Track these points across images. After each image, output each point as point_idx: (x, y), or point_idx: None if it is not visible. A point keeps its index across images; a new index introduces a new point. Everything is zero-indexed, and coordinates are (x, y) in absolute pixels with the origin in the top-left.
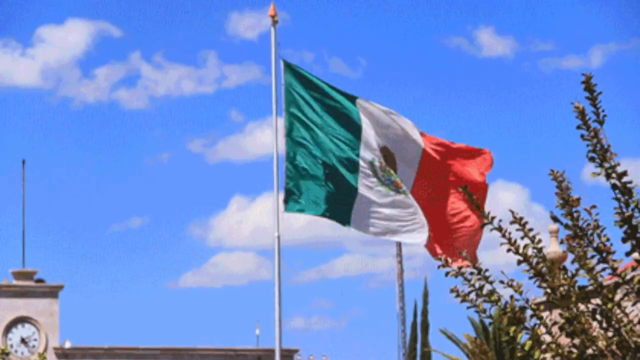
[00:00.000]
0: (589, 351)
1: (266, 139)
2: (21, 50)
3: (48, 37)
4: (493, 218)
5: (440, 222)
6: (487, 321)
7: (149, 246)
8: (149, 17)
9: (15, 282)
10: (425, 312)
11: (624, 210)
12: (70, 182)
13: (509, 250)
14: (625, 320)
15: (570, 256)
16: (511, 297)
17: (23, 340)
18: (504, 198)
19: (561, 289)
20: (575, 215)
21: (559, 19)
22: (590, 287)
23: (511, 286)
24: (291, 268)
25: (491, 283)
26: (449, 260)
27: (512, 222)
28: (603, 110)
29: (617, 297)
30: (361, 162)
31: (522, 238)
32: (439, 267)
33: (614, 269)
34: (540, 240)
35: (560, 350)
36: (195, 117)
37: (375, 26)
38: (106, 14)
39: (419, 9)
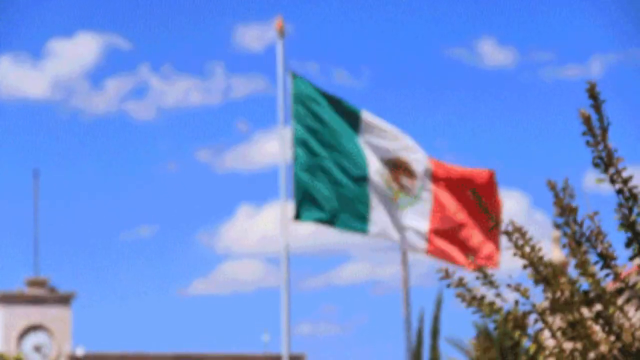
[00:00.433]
0: (591, 355)
1: (272, 148)
2: (31, 63)
3: (58, 50)
4: (501, 222)
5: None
6: (491, 326)
7: (158, 254)
8: (157, 29)
9: (28, 291)
10: (437, 318)
11: (628, 216)
12: (81, 192)
13: (514, 254)
14: (627, 324)
15: (572, 262)
16: (516, 302)
17: (36, 348)
18: (505, 205)
19: (564, 294)
20: (574, 222)
21: (558, 29)
22: (593, 293)
23: (518, 290)
24: (298, 275)
25: (497, 287)
26: (450, 271)
27: (513, 232)
28: (607, 118)
29: (620, 302)
30: (370, 173)
31: (522, 246)
32: (440, 278)
33: (617, 275)
34: (540, 249)
35: (563, 355)
36: (202, 128)
37: (379, 37)
38: (115, 26)
39: (422, 21)
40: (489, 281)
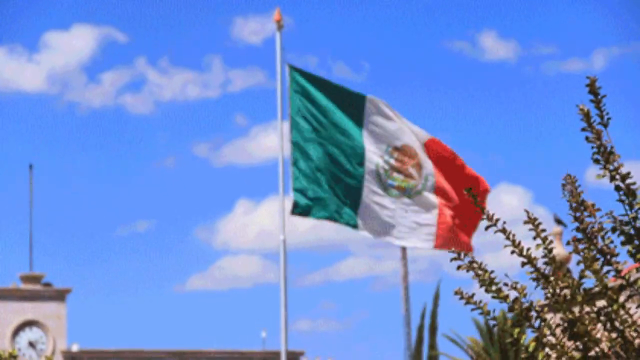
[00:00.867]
0: (592, 353)
1: (271, 142)
2: (27, 56)
3: (54, 43)
4: (497, 220)
5: (460, 212)
6: (491, 323)
7: (155, 249)
8: (154, 22)
9: (23, 286)
10: (434, 315)
11: (628, 212)
12: (76, 186)
13: (512, 252)
14: (629, 321)
15: (575, 258)
16: (516, 298)
17: (31, 344)
18: (507, 200)
19: (565, 291)
20: (587, 216)
21: (561, 23)
22: (596, 289)
23: (515, 288)
24: (296, 271)
25: (497, 284)
26: (462, 253)
27: (525, 222)
28: (607, 113)
29: (622, 299)
30: (366, 167)
31: (534, 238)
32: (451, 259)
33: (618, 271)
34: (551, 242)
35: (564, 352)
36: (200, 122)
37: (378, 30)
38: (111, 19)
39: (422, 13)
40: (488, 278)
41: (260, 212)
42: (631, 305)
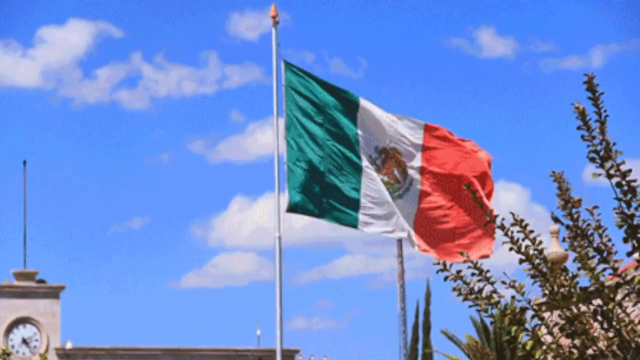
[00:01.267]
0: (590, 351)
1: (267, 139)
2: (22, 51)
3: (49, 38)
4: (496, 216)
5: (452, 219)
6: (488, 320)
7: (150, 247)
8: (150, 17)
9: (16, 283)
10: (427, 313)
11: (626, 210)
12: (71, 183)
13: (511, 249)
14: (626, 320)
15: (571, 256)
16: (512, 297)
17: (24, 341)
18: (504, 198)
19: (562, 289)
20: (575, 216)
21: (559, 20)
22: (592, 288)
23: (513, 287)
24: (292, 269)
25: (492, 284)
26: (447, 264)
27: (512, 224)
28: (605, 111)
29: (618, 298)
30: (364, 162)
31: (523, 240)
32: (437, 271)
33: (615, 269)
34: (540, 242)
35: (561, 351)
36: (196, 118)
37: (375, 27)
38: (107, 14)
39: (419, 10)
40: (484, 277)
41: (255, 209)
42: (628, 304)
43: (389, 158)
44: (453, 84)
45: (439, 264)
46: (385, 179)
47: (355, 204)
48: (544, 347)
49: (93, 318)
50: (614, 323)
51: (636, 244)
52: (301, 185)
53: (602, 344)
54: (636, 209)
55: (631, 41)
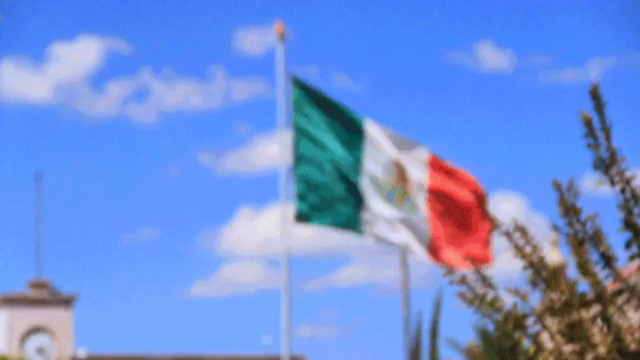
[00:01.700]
0: (590, 357)
1: (273, 151)
2: (34, 67)
3: (60, 54)
4: (501, 223)
5: (454, 231)
6: (490, 327)
7: (160, 256)
8: (158, 33)
9: (30, 293)
10: (436, 320)
11: (627, 217)
12: (82, 195)
13: (515, 255)
14: (626, 325)
15: (571, 264)
16: (514, 304)
17: (38, 350)
18: (504, 208)
19: (563, 296)
20: (578, 222)
21: (557, 33)
22: (592, 295)
23: (517, 294)
24: (298, 277)
25: (495, 289)
26: (453, 268)
27: (514, 231)
28: (609, 119)
29: (619, 303)
30: (365, 178)
31: (524, 246)
32: (443, 275)
33: (618, 276)
34: (542, 249)
35: (562, 357)
36: (203, 131)
37: (378, 41)
38: (116, 30)
39: (420, 24)
40: (487, 284)
41: (262, 219)
42: (628, 309)
43: (395, 172)
44: (452, 96)
45: (444, 268)
46: (399, 188)
47: (360, 213)
48: (546, 354)
49: (105, 326)
50: (614, 329)
51: (637, 251)
52: (308, 196)
53: (602, 349)
54: (638, 215)
55: (627, 54)
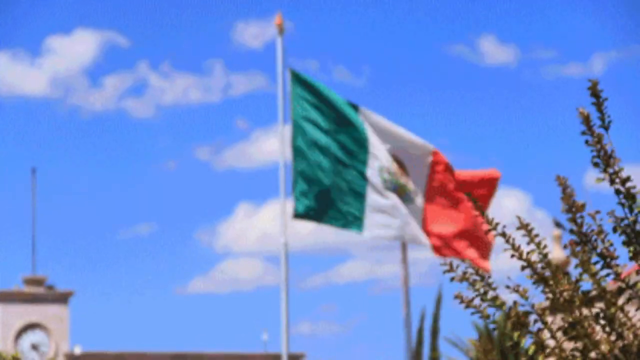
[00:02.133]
0: (592, 355)
1: (272, 146)
2: (30, 60)
3: (56, 47)
4: (497, 224)
5: (453, 227)
6: (491, 326)
7: (157, 252)
8: (156, 26)
9: (25, 289)
10: (436, 318)
11: (628, 215)
12: (79, 190)
13: (512, 256)
14: (628, 324)
15: (573, 261)
16: (514, 302)
17: (33, 346)
18: (506, 204)
19: (565, 294)
20: (579, 221)
21: (560, 27)
22: (594, 292)
23: (517, 291)
24: (297, 274)
25: (494, 289)
26: (454, 264)
27: (518, 228)
28: (609, 116)
29: (621, 302)
30: (369, 170)
31: (527, 244)
32: (444, 272)
33: (618, 274)
34: (545, 246)
35: (563, 355)
36: (201, 126)
37: (378, 35)
38: (114, 23)
39: (422, 18)
40: (486, 283)
41: (261, 215)
42: (630, 309)
43: (397, 164)
44: (455, 91)
45: (445, 264)
46: (402, 181)
47: (360, 211)
48: (547, 351)
49: (102, 323)
50: (616, 327)
51: (632, 250)
52: (307, 192)
53: (604, 348)
54: (636, 215)
55: (631, 48)
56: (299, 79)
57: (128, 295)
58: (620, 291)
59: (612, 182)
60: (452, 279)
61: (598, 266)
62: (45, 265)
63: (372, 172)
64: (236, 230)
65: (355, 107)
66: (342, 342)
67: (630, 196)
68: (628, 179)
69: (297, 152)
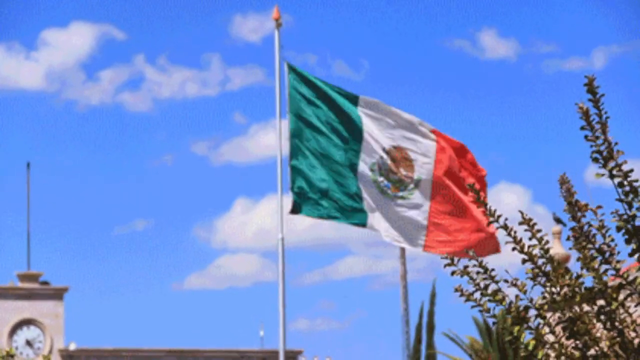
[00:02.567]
0: (592, 351)
1: (269, 141)
2: (25, 54)
3: (52, 40)
4: (499, 216)
5: (458, 217)
6: (490, 321)
7: (153, 248)
8: (153, 19)
9: (20, 285)
10: (431, 314)
11: (627, 211)
12: (74, 185)
13: (514, 249)
14: (628, 320)
15: (574, 257)
16: (516, 296)
17: (28, 342)
18: (506, 199)
19: (565, 289)
20: (580, 217)
21: (561, 21)
22: (595, 288)
23: (515, 285)
24: (295, 270)
25: (497, 282)
26: (455, 258)
27: (520, 223)
28: (606, 112)
29: (621, 298)
30: (360, 166)
31: (530, 239)
32: (445, 265)
33: (617, 270)
34: (547, 241)
35: (563, 350)
36: (199, 120)
37: (378, 28)
38: (110, 17)
39: (421, 12)
40: (489, 276)
41: (258, 210)
42: (630, 304)
43: (394, 158)
44: (455, 85)
45: (446, 258)
46: (396, 177)
47: (359, 205)
48: (547, 347)
49: (97, 320)
50: (617, 323)
51: (636, 246)
52: (305, 187)
53: (604, 344)
54: (638, 209)
55: (632, 42)
56: (295, 73)
57: (124, 291)
58: (620, 287)
59: (612, 176)
60: (452, 273)
61: (598, 261)
62: (40, 261)
63: (365, 168)
64: (233, 225)
65: (355, 98)
66: (340, 339)
67: (633, 190)
68: (630, 172)
69: (294, 146)
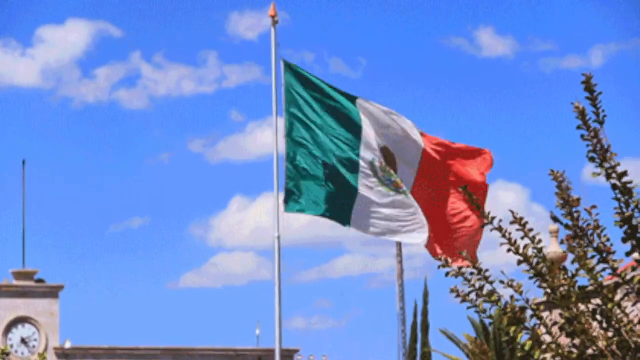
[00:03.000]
0: (589, 351)
1: (266, 139)
2: (21, 50)
3: (48, 37)
4: (493, 218)
5: (440, 222)
6: (487, 321)
7: (149, 246)
8: (149, 17)
9: (15, 282)
10: (425, 312)
11: (624, 210)
12: (70, 182)
13: (508, 250)
14: (625, 320)
15: (570, 256)
16: (511, 297)
17: (23, 340)
18: (504, 198)
19: (561, 289)
20: (575, 215)
21: (559, 19)
22: (591, 287)
23: (511, 286)
24: (291, 268)
25: (491, 283)
26: (449, 260)
27: (512, 222)
28: (603, 110)
29: (617, 297)
30: (361, 162)
31: (522, 238)
32: (439, 267)
33: (614, 269)
34: (540, 240)
35: (560, 350)
36: (195, 117)
37: (375, 26)
38: (106, 14)
39: (418, 9)
40: (483, 277)
41: (254, 208)
42: (627, 304)
43: (388, 157)
44: (452, 83)
45: (440, 259)
46: (393, 172)
47: (352, 203)
48: (543, 347)
49: (92, 317)
50: (613, 323)
51: (635, 244)
52: (300, 185)
53: (601, 344)
54: (633, 210)
55: (630, 40)
56: (291, 70)
57: (119, 289)
58: (616, 286)
59: (608, 176)
60: (447, 274)
61: (594, 261)
62: (35, 258)
63: (365, 164)
64: (229, 223)
65: (352, 98)
66: (336, 337)
67: (627, 191)
68: (624, 173)
69: (290, 143)
